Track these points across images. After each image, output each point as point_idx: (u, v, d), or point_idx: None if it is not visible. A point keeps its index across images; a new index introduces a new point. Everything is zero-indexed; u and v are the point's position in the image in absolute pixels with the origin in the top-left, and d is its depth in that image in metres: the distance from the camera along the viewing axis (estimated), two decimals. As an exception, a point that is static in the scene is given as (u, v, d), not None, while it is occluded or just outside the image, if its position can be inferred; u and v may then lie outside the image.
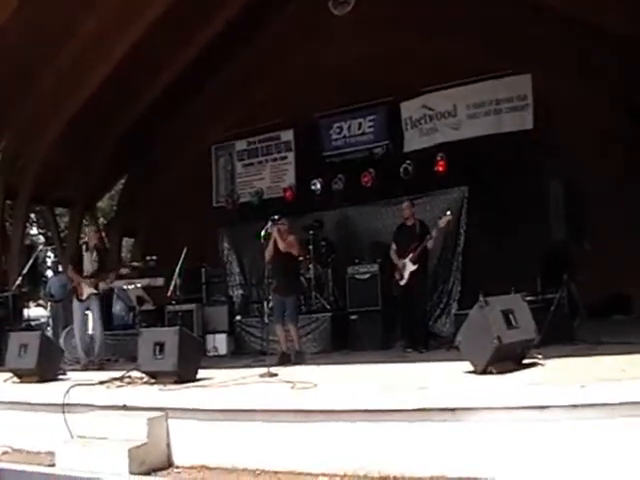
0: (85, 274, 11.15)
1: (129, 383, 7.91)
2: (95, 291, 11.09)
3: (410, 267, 10.46)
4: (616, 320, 10.94)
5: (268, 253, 10.44)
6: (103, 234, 19.28)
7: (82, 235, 15.69)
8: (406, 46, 13.68)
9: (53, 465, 6.63)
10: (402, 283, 10.57)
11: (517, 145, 12.63)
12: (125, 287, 13.54)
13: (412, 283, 10.48)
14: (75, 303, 11.16)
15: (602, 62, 12.00)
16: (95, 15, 12.69)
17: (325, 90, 14.55)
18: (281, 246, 10.33)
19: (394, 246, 10.89)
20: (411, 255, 10.44)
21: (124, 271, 13.14)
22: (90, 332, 11.55)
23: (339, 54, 14.52)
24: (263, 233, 10.18)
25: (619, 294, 11.61)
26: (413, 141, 14.23)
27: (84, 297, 11.06)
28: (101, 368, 10.47)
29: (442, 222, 10.60)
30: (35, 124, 14.70)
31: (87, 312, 11.25)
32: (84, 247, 11.49)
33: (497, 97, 13.23)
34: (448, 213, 10.73)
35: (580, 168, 11.76)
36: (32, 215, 23.31)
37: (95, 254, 11.37)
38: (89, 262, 11.26)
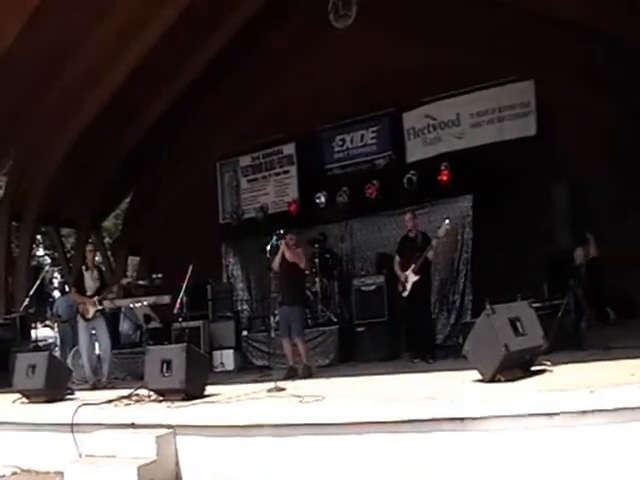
0: (88, 293, 11.23)
1: (137, 401, 7.88)
2: (100, 307, 11.17)
3: (412, 278, 10.45)
4: (623, 324, 10.86)
5: (275, 265, 10.50)
6: (109, 253, 19.36)
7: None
8: (407, 56, 13.70)
9: (62, 485, 6.61)
10: (405, 294, 10.57)
11: (521, 152, 12.61)
12: (132, 306, 13.55)
13: (415, 293, 10.48)
14: (81, 323, 11.24)
15: (604, 66, 12.00)
16: (98, 35, 12.79)
17: (326, 102, 14.56)
18: (288, 256, 10.41)
19: (397, 258, 10.89)
20: (413, 266, 10.43)
21: (125, 282, 13.23)
22: (97, 352, 11.58)
23: (340, 66, 14.57)
24: (269, 248, 10.24)
25: (626, 298, 11.54)
26: (416, 151, 14.23)
27: (90, 316, 11.13)
28: (110, 387, 10.47)
29: (441, 231, 10.60)
30: (40, 145, 14.77)
31: (93, 331, 11.29)
32: (84, 267, 11.57)
33: (500, 105, 13.22)
34: (447, 222, 10.73)
35: (585, 173, 11.76)
36: (38, 236, 23.32)
37: (96, 272, 11.49)
38: (91, 280, 11.36)
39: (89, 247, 12.79)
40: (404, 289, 10.52)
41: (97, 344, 11.60)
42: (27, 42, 11.89)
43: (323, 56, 15.00)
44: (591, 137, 12.19)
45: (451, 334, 12.57)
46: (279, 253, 10.50)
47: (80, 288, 11.33)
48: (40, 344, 14.24)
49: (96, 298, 11.22)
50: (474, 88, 13.38)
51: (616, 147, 12.03)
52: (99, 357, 11.59)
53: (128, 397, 7.99)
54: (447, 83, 13.44)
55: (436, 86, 13.59)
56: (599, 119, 12.20)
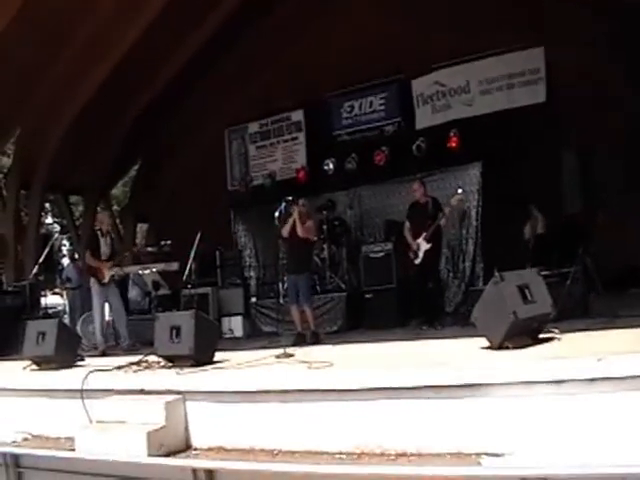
0: (102, 259, 11.27)
1: (146, 367, 7.93)
2: (113, 273, 11.22)
3: (424, 246, 10.45)
4: (632, 293, 10.83)
5: (285, 231, 10.46)
6: (117, 220, 19.40)
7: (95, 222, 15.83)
8: (416, 22, 13.57)
9: (73, 450, 6.67)
10: (417, 262, 10.56)
11: (530, 119, 12.51)
12: (140, 272, 13.59)
13: (426, 261, 10.48)
14: (95, 288, 11.25)
15: (614, 32, 11.86)
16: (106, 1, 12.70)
17: (335, 69, 14.47)
18: (299, 231, 10.33)
19: (408, 224, 10.86)
20: (425, 234, 10.42)
21: (136, 250, 13.28)
22: (107, 318, 11.63)
23: (348, 32, 14.43)
24: (277, 214, 10.22)
25: (634, 267, 11.51)
26: (425, 118, 14.13)
27: (106, 280, 11.17)
28: (131, 351, 10.45)
29: (454, 200, 10.60)
30: (48, 113, 14.74)
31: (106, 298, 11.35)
32: (99, 233, 11.61)
33: (510, 71, 13.08)
34: (460, 191, 10.76)
35: (594, 139, 11.68)
36: (47, 204, 23.37)
37: (109, 238, 11.53)
38: (106, 246, 11.40)
39: (106, 214, 12.84)
40: (416, 256, 10.51)
41: (107, 310, 11.66)
42: (34, 7, 11.81)
43: (332, 22, 14.87)
44: (601, 103, 12.07)
45: (462, 301, 12.54)
46: (290, 220, 10.43)
47: (95, 252, 11.36)
48: (49, 311, 14.31)
49: (111, 262, 11.29)
50: (484, 55, 13.25)
51: (627, 113, 11.93)
52: (108, 323, 11.65)
53: (137, 363, 8.05)
54: (457, 50, 13.31)
55: (445, 53, 13.47)
56: (610, 84, 12.09)
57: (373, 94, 14.85)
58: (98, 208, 18.18)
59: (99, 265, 11.25)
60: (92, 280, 11.33)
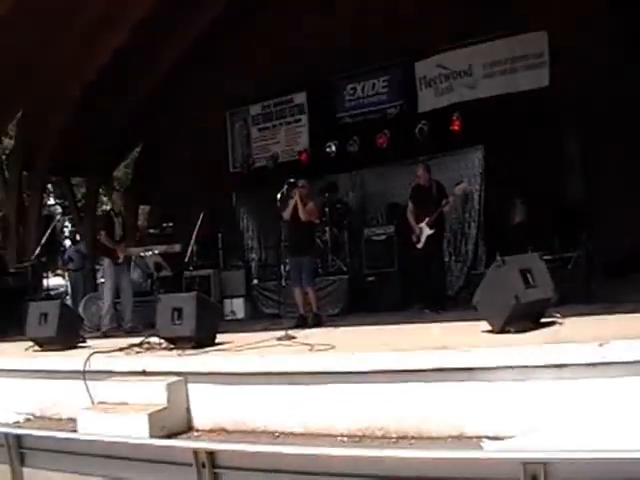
0: (117, 239, 11.36)
1: (148, 349, 7.97)
2: (126, 253, 11.38)
3: (427, 231, 10.42)
4: (634, 278, 10.82)
5: (286, 214, 10.43)
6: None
7: (104, 203, 15.89)
8: (419, 5, 13.49)
9: (75, 431, 6.68)
10: (419, 246, 10.55)
11: (533, 103, 12.46)
12: (143, 254, 13.61)
13: (429, 246, 10.46)
14: (110, 268, 11.36)
15: (617, 16, 11.79)
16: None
17: (338, 51, 14.38)
18: (302, 215, 10.27)
19: (411, 206, 10.81)
20: (427, 219, 10.39)
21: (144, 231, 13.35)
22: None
23: (351, 15, 14.36)
24: (279, 196, 10.19)
25: (636, 252, 11.49)
26: (428, 101, 14.07)
27: (121, 260, 11.31)
28: (133, 333, 10.50)
29: (458, 190, 10.61)
30: (49, 95, 14.70)
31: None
32: (113, 213, 11.69)
33: (513, 55, 13.00)
34: (465, 180, 10.71)
35: (597, 124, 11.62)
36: (49, 185, 23.36)
37: (121, 219, 11.61)
38: (119, 226, 11.51)
39: (118, 194, 12.88)
40: (418, 240, 10.49)
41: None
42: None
43: (334, 4, 14.77)
44: (604, 87, 12.01)
45: (464, 285, 12.52)
46: (292, 203, 10.39)
47: (111, 232, 11.40)
48: (52, 293, 14.34)
49: (124, 243, 11.43)
50: (487, 38, 13.18)
51: (629, 96, 11.88)
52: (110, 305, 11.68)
53: (139, 345, 8.08)
54: (460, 33, 13.23)
55: (449, 36, 13.39)
56: (612, 69, 12.02)
57: (376, 77, 14.79)
58: (100, 190, 18.18)
59: (113, 245, 11.31)
60: (107, 261, 11.39)
